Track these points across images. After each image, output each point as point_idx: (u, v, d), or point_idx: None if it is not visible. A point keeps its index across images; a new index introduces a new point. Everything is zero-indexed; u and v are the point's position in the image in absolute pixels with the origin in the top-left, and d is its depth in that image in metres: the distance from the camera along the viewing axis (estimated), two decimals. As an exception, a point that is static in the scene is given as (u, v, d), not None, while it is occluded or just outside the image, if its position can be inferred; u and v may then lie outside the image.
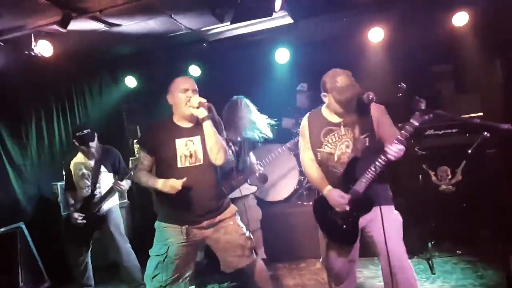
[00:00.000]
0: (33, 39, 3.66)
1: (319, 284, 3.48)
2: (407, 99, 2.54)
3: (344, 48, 4.94)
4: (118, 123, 5.56)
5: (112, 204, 3.71)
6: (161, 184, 2.40)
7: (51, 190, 4.29)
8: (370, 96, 2.26)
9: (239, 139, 3.73)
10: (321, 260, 2.68)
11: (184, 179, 2.35)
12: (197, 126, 2.52)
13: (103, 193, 3.61)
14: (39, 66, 4.02)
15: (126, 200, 4.65)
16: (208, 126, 2.44)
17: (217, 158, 2.46)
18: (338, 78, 2.37)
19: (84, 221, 3.52)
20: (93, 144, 3.57)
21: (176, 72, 5.41)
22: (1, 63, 3.67)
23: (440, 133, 3.73)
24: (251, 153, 3.93)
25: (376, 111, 2.45)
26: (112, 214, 3.66)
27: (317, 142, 2.52)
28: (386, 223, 2.30)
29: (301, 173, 4.54)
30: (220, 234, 2.56)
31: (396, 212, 2.48)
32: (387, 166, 2.39)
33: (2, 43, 3.63)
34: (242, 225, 2.66)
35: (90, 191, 3.58)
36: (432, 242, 3.53)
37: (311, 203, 4.12)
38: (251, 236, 2.68)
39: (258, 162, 3.93)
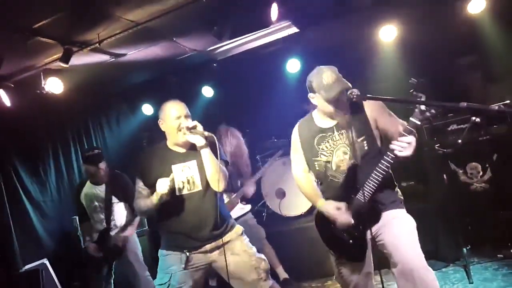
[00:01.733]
0: (42, 78, 3.78)
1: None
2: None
3: (356, 51, 4.76)
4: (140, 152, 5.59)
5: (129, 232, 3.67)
6: (155, 196, 2.30)
7: (72, 224, 4.33)
8: (353, 93, 2.06)
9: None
10: (334, 277, 2.47)
11: (172, 176, 2.29)
12: (191, 150, 2.44)
13: (117, 223, 3.59)
14: (53, 103, 4.11)
15: (146, 228, 4.61)
16: (206, 154, 2.37)
17: (218, 185, 2.38)
18: (324, 75, 2.18)
19: (101, 254, 3.51)
20: (102, 166, 3.57)
21: (190, 95, 5.51)
22: (14, 104, 3.76)
23: (464, 126, 3.41)
24: (244, 174, 3.94)
25: (371, 108, 2.24)
26: (129, 243, 3.63)
27: (312, 152, 2.34)
28: (397, 228, 2.11)
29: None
30: (227, 256, 2.43)
31: (408, 215, 2.24)
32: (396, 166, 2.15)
33: (12, 85, 3.76)
34: (251, 245, 2.53)
35: (105, 224, 3.56)
36: (468, 248, 3.23)
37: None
38: (264, 257, 2.54)
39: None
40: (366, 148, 2.21)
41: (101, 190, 3.62)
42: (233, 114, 5.39)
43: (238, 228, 2.55)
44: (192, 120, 2.43)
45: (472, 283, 3.02)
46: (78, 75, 4.10)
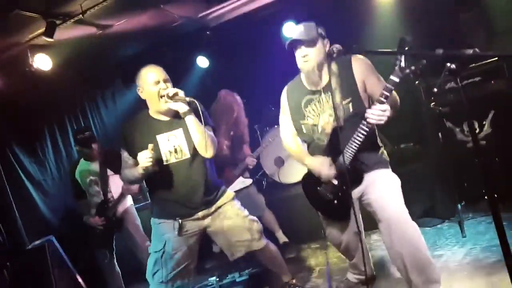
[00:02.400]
0: (29, 55, 3.69)
1: (341, 261, 3.26)
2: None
3: (354, 10, 4.58)
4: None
5: (127, 204, 3.73)
6: (139, 169, 2.25)
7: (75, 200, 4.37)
8: (334, 49, 1.97)
9: (231, 133, 3.60)
10: (326, 237, 2.54)
11: (151, 146, 2.20)
12: (176, 118, 2.37)
13: (115, 196, 3.62)
14: (44, 81, 4.05)
15: (149, 201, 4.63)
16: (191, 121, 2.30)
17: (206, 151, 2.32)
18: (295, 31, 2.18)
19: (101, 224, 3.55)
20: (95, 146, 3.57)
21: (185, 66, 5.39)
22: (4, 84, 3.71)
23: (462, 84, 3.29)
24: (244, 146, 3.86)
25: (360, 69, 2.19)
26: (128, 215, 3.68)
27: (299, 114, 2.32)
28: (381, 186, 2.13)
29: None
30: (220, 221, 2.45)
31: (392, 174, 2.25)
32: (375, 130, 2.24)
33: (-1, 64, 3.69)
34: (243, 208, 2.54)
35: (102, 196, 3.59)
36: (463, 203, 3.20)
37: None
38: (256, 219, 2.56)
39: (251, 154, 3.87)
40: (351, 110, 2.18)
41: (95, 164, 3.63)
42: (229, 83, 5.29)
43: (229, 193, 2.53)
44: (179, 85, 2.37)
45: (465, 237, 3.03)
46: (66, 50, 4.00)
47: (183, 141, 2.36)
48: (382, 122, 1.98)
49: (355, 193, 2.22)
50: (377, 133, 2.31)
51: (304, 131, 2.33)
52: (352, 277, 2.66)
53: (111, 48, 4.54)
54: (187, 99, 2.26)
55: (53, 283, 3.77)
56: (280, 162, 4.51)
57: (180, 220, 2.36)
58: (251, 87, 5.23)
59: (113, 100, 5.40)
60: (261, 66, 5.12)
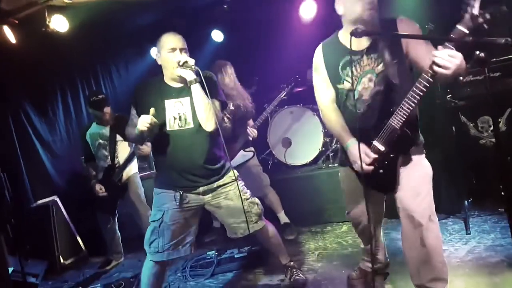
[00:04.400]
0: (46, 15, 3.68)
1: (341, 247, 3.29)
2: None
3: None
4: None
5: (131, 172, 3.75)
6: (136, 130, 2.26)
7: (82, 164, 4.42)
8: (358, 29, 1.81)
9: (231, 107, 3.53)
10: (346, 213, 2.39)
11: (152, 111, 2.21)
12: (187, 86, 2.35)
13: (121, 161, 3.65)
14: (59, 43, 4.05)
15: (154, 171, 4.67)
16: (196, 90, 2.28)
17: (207, 124, 2.31)
18: None
19: (106, 192, 3.59)
20: (107, 110, 3.60)
21: (200, 39, 5.33)
22: (20, 42, 3.70)
23: (480, 78, 3.22)
24: (249, 122, 3.82)
25: (406, 30, 1.92)
26: (131, 183, 3.71)
27: (335, 77, 2.06)
28: (412, 180, 1.97)
29: (326, 134, 4.34)
30: (220, 200, 2.45)
31: (426, 162, 2.04)
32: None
33: (16, 21, 3.67)
34: (245, 190, 2.53)
35: (109, 161, 3.62)
36: (470, 200, 3.17)
37: (336, 164, 3.92)
38: (258, 201, 2.55)
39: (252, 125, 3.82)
40: (397, 73, 1.93)
41: (106, 129, 3.67)
42: (243, 60, 5.23)
43: (233, 173, 2.51)
44: (192, 57, 2.32)
45: (469, 234, 2.99)
46: (84, 13, 3.97)
47: (188, 110, 2.35)
48: (450, 70, 1.63)
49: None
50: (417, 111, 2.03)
51: (338, 96, 2.10)
52: (364, 265, 2.54)
53: (128, 14, 4.49)
54: (194, 67, 2.25)
55: (54, 241, 3.88)
56: (287, 143, 4.50)
57: (181, 192, 2.37)
58: (264, 65, 5.17)
59: (125, 68, 5.39)
60: (276, 44, 5.05)
